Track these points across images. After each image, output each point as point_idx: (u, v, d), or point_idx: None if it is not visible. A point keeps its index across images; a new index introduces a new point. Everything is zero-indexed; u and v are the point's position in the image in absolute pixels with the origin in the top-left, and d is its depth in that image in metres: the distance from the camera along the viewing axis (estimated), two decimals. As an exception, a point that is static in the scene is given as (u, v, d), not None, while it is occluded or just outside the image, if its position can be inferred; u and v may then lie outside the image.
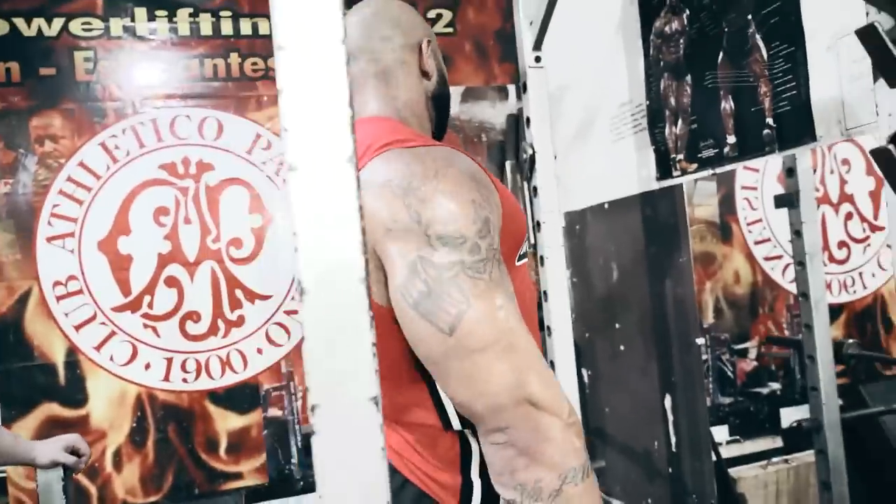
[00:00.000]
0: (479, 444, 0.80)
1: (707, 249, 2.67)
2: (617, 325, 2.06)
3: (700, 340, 1.60)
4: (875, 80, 0.57)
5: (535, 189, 1.54)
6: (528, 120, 1.52)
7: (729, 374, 2.67)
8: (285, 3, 0.46)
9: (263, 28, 2.21)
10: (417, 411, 0.80)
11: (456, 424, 0.79)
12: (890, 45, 0.52)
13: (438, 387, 0.75)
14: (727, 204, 2.72)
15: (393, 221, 0.69)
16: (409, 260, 0.67)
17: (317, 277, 0.46)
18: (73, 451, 1.29)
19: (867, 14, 0.64)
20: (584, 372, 2.31)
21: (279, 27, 0.46)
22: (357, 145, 0.79)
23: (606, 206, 2.01)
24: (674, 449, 1.77)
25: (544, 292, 1.54)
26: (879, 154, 0.52)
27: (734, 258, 2.71)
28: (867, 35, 0.52)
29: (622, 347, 2.03)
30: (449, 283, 0.66)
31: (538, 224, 1.53)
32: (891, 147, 0.51)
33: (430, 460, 0.81)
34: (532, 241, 1.64)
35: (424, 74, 0.93)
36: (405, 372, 0.77)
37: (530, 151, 1.53)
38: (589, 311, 2.24)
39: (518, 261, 0.84)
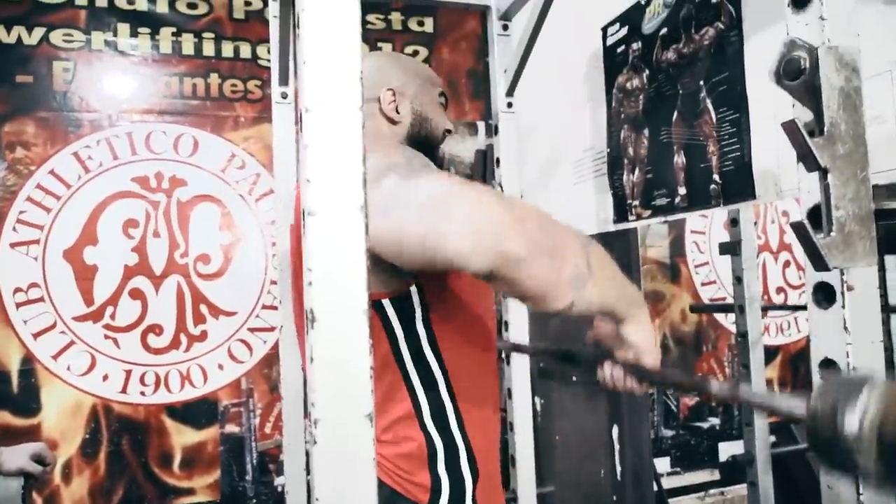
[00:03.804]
0: (442, 441, 0.90)
1: (656, 288, 2.82)
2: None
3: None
4: (798, 161, 0.68)
5: (501, 225, 1.63)
6: (497, 160, 1.62)
7: (673, 408, 2.80)
8: (312, 71, 0.54)
9: (245, 52, 2.27)
10: (393, 405, 0.90)
11: (426, 412, 0.90)
12: (807, 138, 0.64)
13: (459, 261, 0.71)
14: (677, 246, 2.88)
15: (376, 205, 0.78)
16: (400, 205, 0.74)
17: (326, 308, 0.53)
18: (39, 460, 1.29)
19: (793, 105, 0.76)
20: (536, 400, 2.40)
21: (306, 92, 0.54)
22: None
23: (566, 243, 2.13)
24: (619, 477, 1.87)
25: (505, 322, 1.63)
26: (797, 227, 0.62)
27: (682, 298, 2.87)
28: (789, 128, 0.63)
29: (574, 378, 2.14)
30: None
31: (502, 258, 1.62)
32: (806, 222, 0.61)
33: (402, 465, 0.90)
34: (496, 274, 1.73)
35: (391, 120, 1.02)
36: (385, 363, 0.89)
37: (499, 189, 1.63)
38: (545, 342, 2.34)
39: None
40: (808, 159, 0.65)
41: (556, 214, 2.48)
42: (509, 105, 1.62)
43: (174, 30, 2.21)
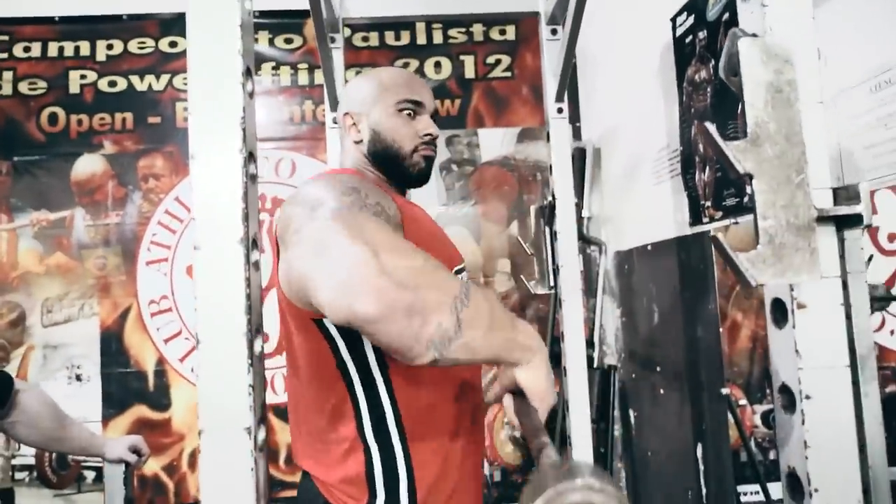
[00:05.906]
0: (381, 460, 0.91)
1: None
2: (658, 369, 2.04)
3: (725, 391, 1.58)
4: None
5: (554, 234, 1.60)
6: (550, 168, 1.60)
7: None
8: (197, 121, 0.61)
9: (335, 78, 2.44)
10: (341, 424, 0.93)
11: (369, 431, 0.92)
12: (720, 142, 0.58)
13: (318, 298, 0.76)
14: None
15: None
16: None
17: (210, 331, 0.59)
18: (136, 451, 1.51)
19: (740, 105, 0.69)
20: (631, 413, 2.29)
21: (192, 140, 0.61)
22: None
23: (649, 247, 2.02)
24: (704, 500, 1.73)
25: (562, 333, 1.59)
26: (713, 240, 0.57)
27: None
28: (701, 131, 0.58)
29: (662, 391, 2.01)
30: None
31: (557, 268, 1.59)
32: (719, 234, 0.56)
33: (345, 487, 0.93)
34: (552, 284, 1.69)
35: (355, 139, 1.10)
36: (333, 381, 0.92)
37: (550, 198, 1.60)
38: (635, 352, 2.23)
39: None
40: (727, 165, 0.58)
41: (636, 219, 2.39)
42: (559, 110, 1.59)
43: (273, 64, 2.44)
